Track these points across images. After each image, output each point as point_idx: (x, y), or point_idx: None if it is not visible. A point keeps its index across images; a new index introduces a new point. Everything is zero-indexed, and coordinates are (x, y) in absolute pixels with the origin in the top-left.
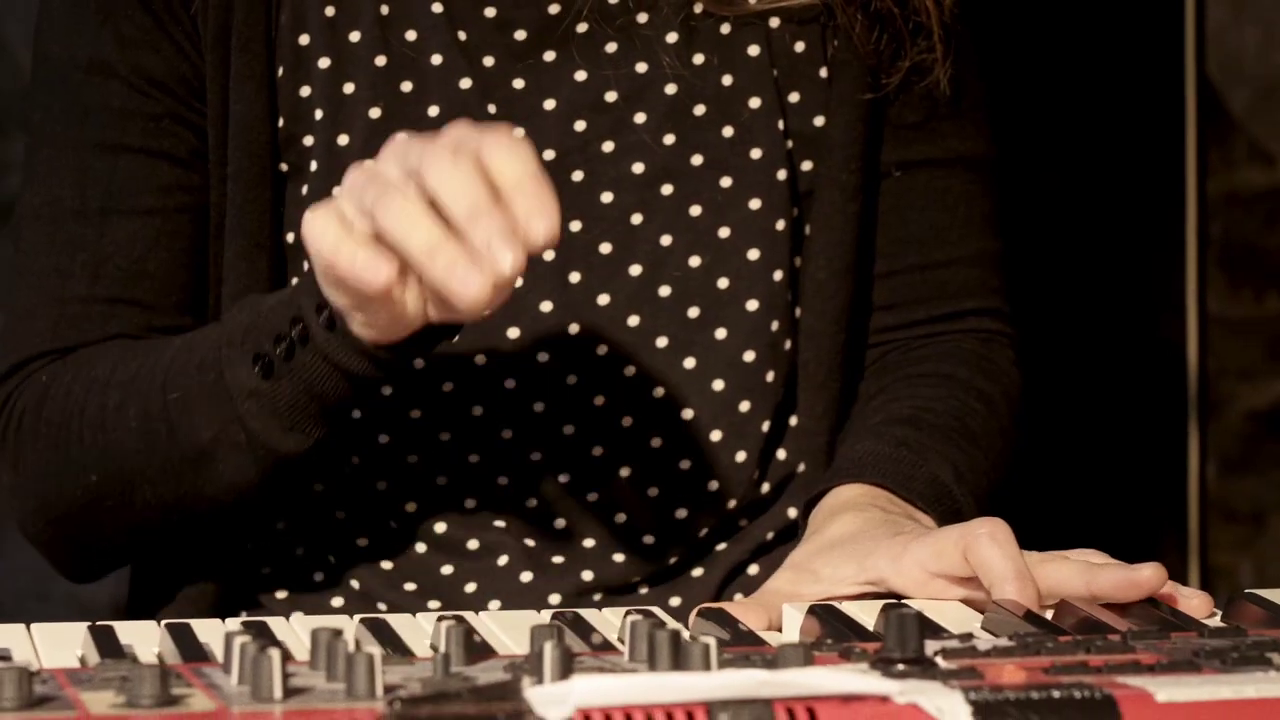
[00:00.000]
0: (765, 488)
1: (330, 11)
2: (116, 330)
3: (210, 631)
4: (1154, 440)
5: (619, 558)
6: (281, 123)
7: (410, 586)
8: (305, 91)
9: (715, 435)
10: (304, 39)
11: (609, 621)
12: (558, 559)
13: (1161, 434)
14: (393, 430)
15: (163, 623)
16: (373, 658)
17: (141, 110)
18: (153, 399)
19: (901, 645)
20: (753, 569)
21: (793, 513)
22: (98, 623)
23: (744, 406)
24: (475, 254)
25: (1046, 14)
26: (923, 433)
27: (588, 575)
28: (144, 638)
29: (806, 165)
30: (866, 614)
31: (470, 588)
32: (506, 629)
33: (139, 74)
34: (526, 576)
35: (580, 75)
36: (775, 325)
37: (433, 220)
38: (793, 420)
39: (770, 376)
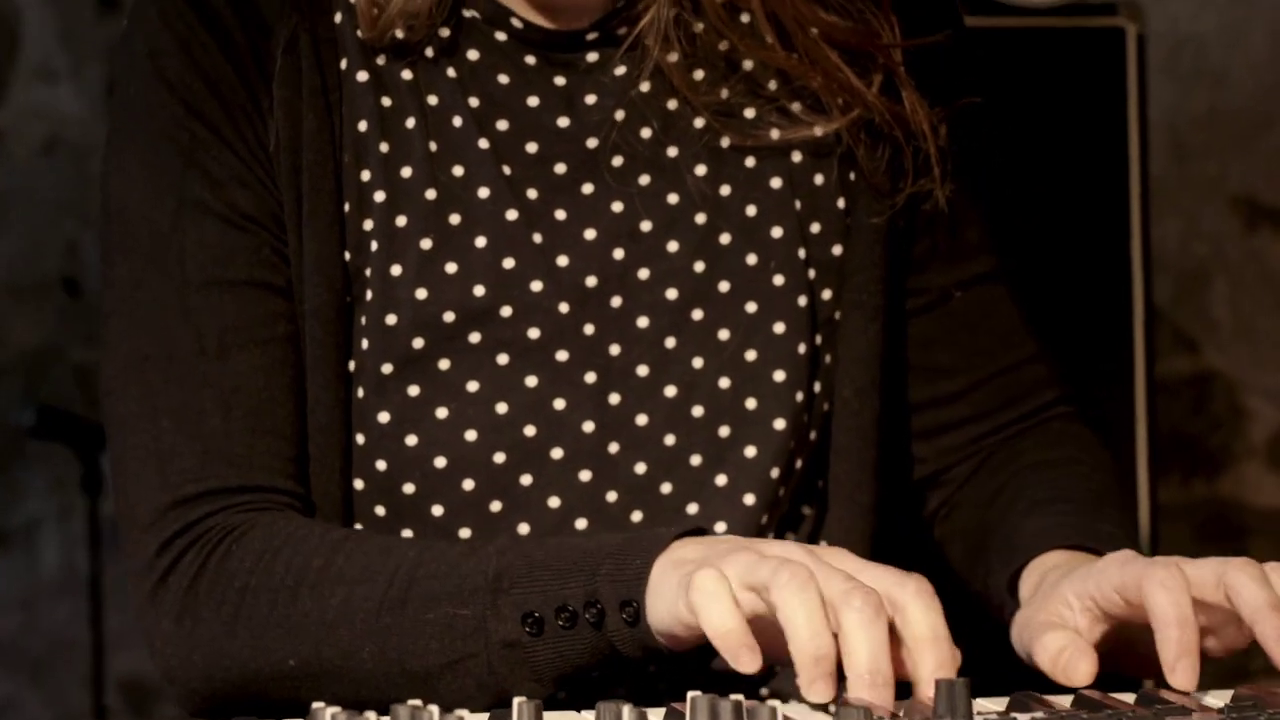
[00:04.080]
0: None
1: (385, 148)
2: (262, 463)
3: None
4: None
5: (655, 668)
6: (348, 256)
7: None
8: (368, 225)
9: None
10: (365, 174)
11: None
12: (595, 672)
13: None
14: None
15: None
16: None
17: (240, 244)
18: (388, 610)
19: (951, 711)
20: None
21: None
22: None
23: (764, 519)
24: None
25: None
26: (1072, 504)
27: (620, 691)
28: None
29: (826, 294)
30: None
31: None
32: None
33: (233, 210)
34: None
35: (617, 206)
36: (793, 444)
37: (827, 632)
38: (791, 539)
39: (781, 492)
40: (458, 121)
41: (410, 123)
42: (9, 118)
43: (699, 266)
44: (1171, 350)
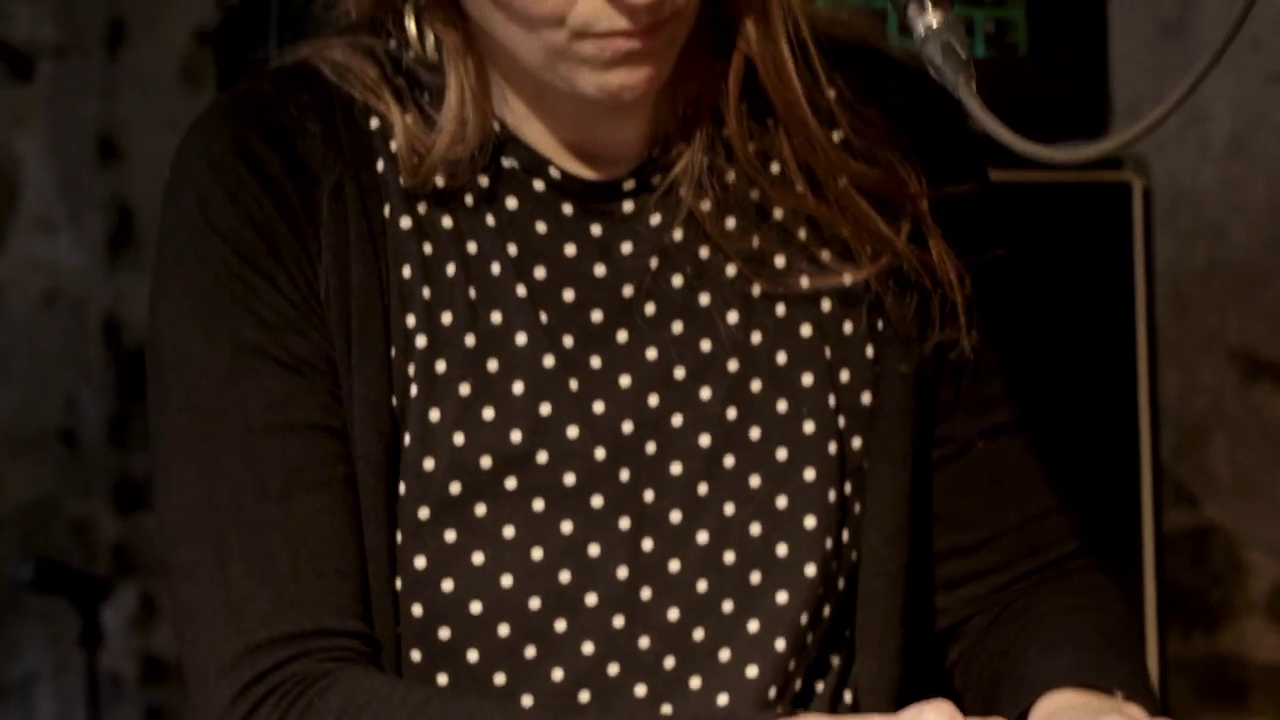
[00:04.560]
0: None
1: (427, 294)
2: (332, 605)
3: None
4: None
5: None
6: (395, 400)
7: None
8: (411, 370)
9: (772, 693)
10: (410, 320)
11: None
12: None
13: None
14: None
15: None
16: None
17: (299, 388)
18: None
19: None
20: None
21: None
22: None
23: (791, 665)
24: None
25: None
26: (1084, 645)
27: None
28: None
29: (856, 442)
30: None
31: None
32: None
33: (290, 355)
34: None
35: (651, 353)
36: (822, 590)
37: None
38: (819, 686)
39: (810, 638)
40: (496, 269)
41: (451, 269)
42: (8, 269)
43: (731, 413)
44: (1174, 505)
